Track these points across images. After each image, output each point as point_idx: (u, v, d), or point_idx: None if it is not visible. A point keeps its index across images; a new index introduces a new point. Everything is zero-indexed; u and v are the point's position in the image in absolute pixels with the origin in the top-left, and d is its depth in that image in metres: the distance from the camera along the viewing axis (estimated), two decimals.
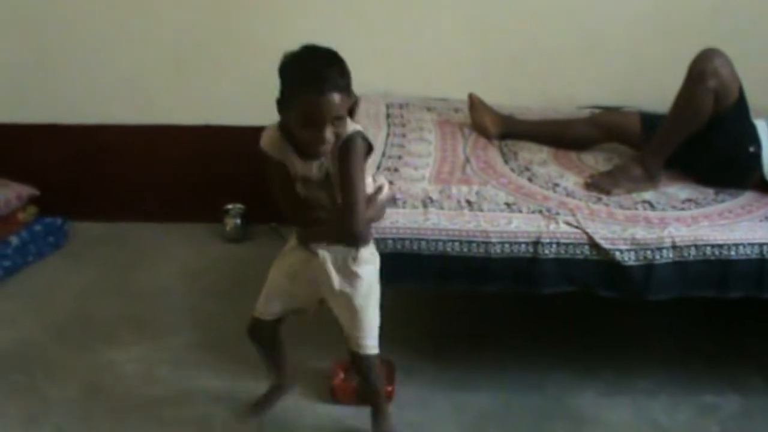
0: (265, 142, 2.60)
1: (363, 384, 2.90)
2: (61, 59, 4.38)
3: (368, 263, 2.69)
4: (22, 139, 4.46)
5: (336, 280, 2.65)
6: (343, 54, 4.19)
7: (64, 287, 3.97)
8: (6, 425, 3.05)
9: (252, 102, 4.29)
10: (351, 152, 2.49)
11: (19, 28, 4.35)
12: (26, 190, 4.30)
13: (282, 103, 2.49)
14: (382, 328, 2.99)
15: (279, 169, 2.59)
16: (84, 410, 3.12)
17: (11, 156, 4.45)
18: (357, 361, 2.77)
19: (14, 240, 4.14)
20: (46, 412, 3.11)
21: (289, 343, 3.01)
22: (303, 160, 2.55)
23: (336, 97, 2.38)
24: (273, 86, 4.29)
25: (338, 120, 2.42)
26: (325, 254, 2.65)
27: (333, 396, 3.11)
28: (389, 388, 3.13)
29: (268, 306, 2.83)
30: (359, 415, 3.02)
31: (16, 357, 3.42)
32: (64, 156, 4.48)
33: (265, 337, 2.91)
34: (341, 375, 3.14)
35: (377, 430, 2.89)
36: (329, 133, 2.41)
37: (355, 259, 2.65)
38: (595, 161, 3.60)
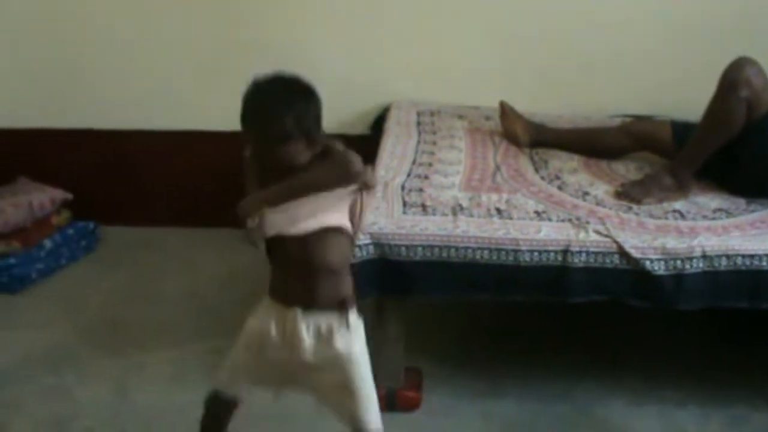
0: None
1: None
2: (95, 66, 4.42)
3: (360, 333, 2.36)
4: (56, 144, 4.51)
5: (319, 359, 2.32)
6: (375, 62, 4.26)
7: (95, 291, 4.00)
8: (37, 427, 3.07)
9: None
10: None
11: (54, 36, 4.40)
12: (60, 195, 4.34)
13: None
14: (410, 334, 3.00)
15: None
16: (113, 413, 3.15)
17: (46, 160, 4.50)
18: None
19: (48, 243, 4.18)
20: (76, 414, 3.13)
21: None
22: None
23: (288, 145, 2.21)
24: None
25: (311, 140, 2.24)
26: (302, 320, 2.30)
27: None
28: (417, 395, 3.13)
29: (234, 384, 2.47)
30: (388, 420, 2.99)
31: (47, 359, 3.45)
32: (97, 161, 4.51)
33: (221, 414, 2.54)
34: None
35: None
36: (290, 158, 2.22)
37: (339, 328, 2.31)
38: (626, 170, 3.58)
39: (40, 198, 4.25)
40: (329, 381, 2.35)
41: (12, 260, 4.02)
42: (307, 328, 2.29)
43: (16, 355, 3.48)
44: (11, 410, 3.15)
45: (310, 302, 2.29)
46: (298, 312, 2.29)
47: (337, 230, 2.26)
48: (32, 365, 3.41)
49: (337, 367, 2.32)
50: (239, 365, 2.43)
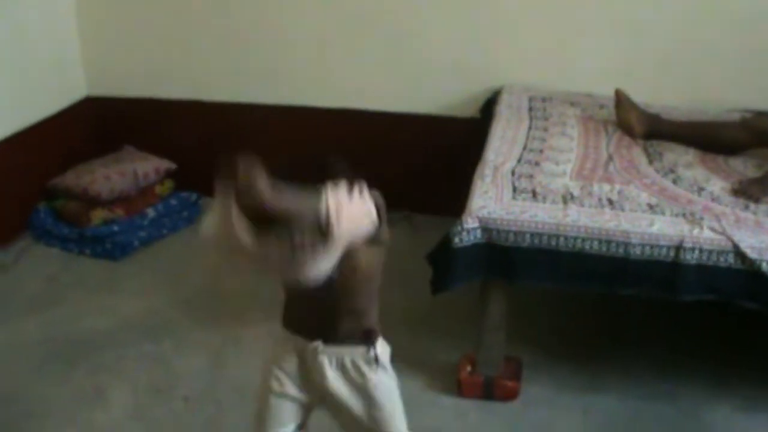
0: None
1: None
2: (206, 38, 4.46)
3: (387, 366, 2.23)
4: (163, 114, 4.56)
5: (345, 393, 2.20)
6: (487, 45, 4.19)
7: (195, 262, 4.02)
8: (136, 392, 3.12)
9: (392, 88, 4.30)
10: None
11: (167, 6, 4.44)
12: (164, 164, 4.39)
13: None
14: (511, 323, 2.94)
15: None
16: (209, 384, 3.17)
17: (152, 130, 4.56)
18: None
19: (151, 212, 4.23)
20: (173, 382, 3.16)
21: (417, 333, 2.96)
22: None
23: None
24: (415, 74, 4.30)
25: None
26: (324, 354, 2.16)
27: (459, 389, 3.06)
28: (515, 385, 3.07)
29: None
30: (485, 409, 2.98)
31: (147, 326, 3.50)
32: (203, 132, 4.54)
33: None
34: (468, 368, 3.09)
35: None
36: None
37: (369, 361, 2.18)
38: (744, 167, 3.45)
39: (145, 167, 4.30)
40: (356, 416, 2.22)
41: (115, 227, 4.08)
42: (329, 363, 2.16)
43: (117, 320, 3.53)
44: (112, 374, 3.21)
45: (331, 335, 2.14)
46: (319, 345, 2.15)
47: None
48: (132, 331, 3.46)
49: (364, 401, 2.20)
50: (271, 414, 2.26)
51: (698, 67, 4.10)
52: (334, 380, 2.17)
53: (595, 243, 2.86)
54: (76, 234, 4.07)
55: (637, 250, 2.85)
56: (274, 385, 2.23)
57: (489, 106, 4.03)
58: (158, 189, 4.36)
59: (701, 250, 2.84)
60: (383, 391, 2.20)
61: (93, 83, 4.61)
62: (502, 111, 3.79)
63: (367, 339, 2.17)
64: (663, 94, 4.00)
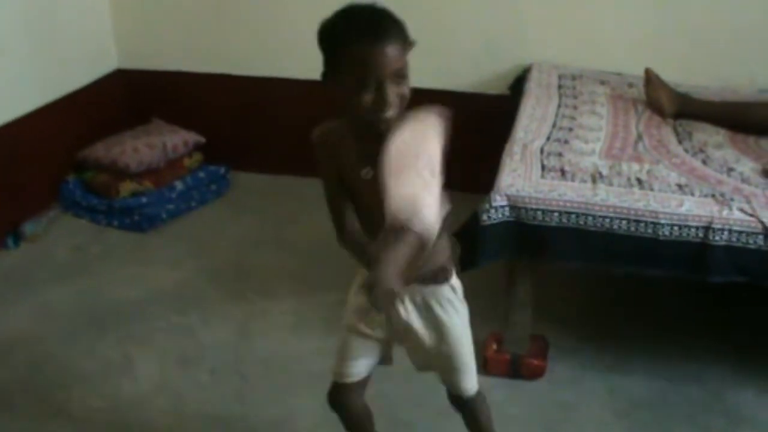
0: (320, 133, 2.18)
1: (472, 424, 2.49)
2: (235, 12, 4.45)
3: (460, 300, 2.29)
4: (193, 87, 4.57)
5: (420, 329, 2.26)
6: (517, 22, 4.16)
7: (223, 235, 4.04)
8: (164, 363, 3.15)
9: (421, 64, 4.25)
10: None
11: None
12: (193, 137, 4.40)
13: (332, 73, 2.03)
14: (538, 302, 2.93)
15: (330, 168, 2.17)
16: (235, 356, 3.19)
17: (182, 103, 4.57)
18: (458, 405, 2.45)
19: (179, 185, 4.25)
20: (200, 354, 3.19)
21: None
22: (357, 161, 2.10)
23: (391, 46, 1.93)
24: (445, 51, 4.26)
25: (400, 78, 1.97)
26: (410, 293, 2.21)
27: (484, 367, 3.05)
28: (542, 363, 3.07)
29: (347, 365, 2.37)
30: (511, 387, 2.98)
31: (174, 298, 3.52)
32: (231, 106, 4.56)
33: (352, 405, 2.46)
34: (494, 346, 3.09)
35: None
36: (391, 93, 1.95)
37: (445, 300, 2.24)
38: None
39: (174, 140, 4.32)
40: (427, 348, 2.28)
41: (144, 199, 4.10)
42: (407, 300, 2.22)
43: (145, 291, 3.56)
44: (140, 345, 3.24)
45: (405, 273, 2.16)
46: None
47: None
48: (160, 303, 3.48)
49: (436, 335, 2.26)
50: (348, 349, 2.35)
51: (730, 46, 4.05)
52: (411, 316, 2.23)
53: (624, 222, 2.84)
54: (104, 205, 4.09)
55: (666, 230, 2.83)
56: (354, 322, 2.30)
57: (518, 84, 4.01)
58: (187, 162, 4.37)
59: (730, 231, 2.81)
60: (456, 326, 2.26)
61: (124, 56, 4.62)
62: (532, 89, 3.77)
63: (442, 276, 2.22)
64: (694, 74, 3.97)
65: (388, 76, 1.94)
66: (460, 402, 2.43)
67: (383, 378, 2.86)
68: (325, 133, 2.16)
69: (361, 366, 2.36)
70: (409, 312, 2.23)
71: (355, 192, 2.15)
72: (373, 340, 2.32)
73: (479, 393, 2.42)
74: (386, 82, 1.94)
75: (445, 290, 2.24)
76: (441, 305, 2.24)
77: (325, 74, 2.04)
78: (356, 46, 1.95)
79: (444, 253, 2.22)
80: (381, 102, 1.95)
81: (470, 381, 2.37)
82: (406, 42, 1.99)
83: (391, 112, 1.97)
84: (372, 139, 1.97)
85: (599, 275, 3.50)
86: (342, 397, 2.43)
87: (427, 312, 2.24)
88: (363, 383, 2.42)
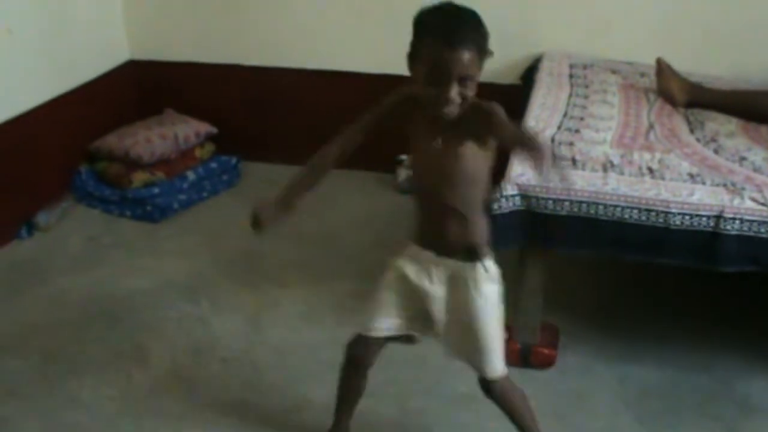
0: (404, 91, 2.32)
1: (504, 409, 2.55)
2: (247, 3, 4.46)
3: (492, 281, 2.38)
4: (205, 78, 4.58)
5: (451, 301, 2.38)
6: (528, 11, 4.15)
7: (234, 225, 4.03)
8: (174, 353, 3.15)
9: None
10: (499, 116, 2.17)
11: None
12: (205, 128, 4.41)
13: (411, 57, 2.21)
14: (549, 291, 2.93)
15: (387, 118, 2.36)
16: (247, 346, 3.20)
17: (193, 94, 4.59)
18: (485, 387, 2.50)
19: (191, 175, 4.26)
20: (212, 344, 3.20)
21: None
22: (429, 130, 2.26)
23: (465, 53, 2.09)
24: None
25: (466, 80, 2.13)
26: (435, 264, 2.36)
27: None
28: (552, 353, 3.07)
29: (376, 320, 2.47)
30: (521, 376, 2.97)
31: (186, 287, 3.53)
32: (243, 97, 4.56)
33: (363, 361, 2.54)
34: (505, 335, 3.08)
35: None
36: (454, 93, 2.13)
37: (476, 279, 2.34)
38: None
39: (186, 130, 4.33)
40: (458, 325, 2.39)
41: (156, 190, 4.12)
42: (439, 272, 2.35)
43: (157, 281, 3.57)
44: (152, 334, 3.25)
45: (443, 247, 2.33)
46: (432, 255, 2.35)
47: (473, 177, 2.27)
48: (172, 292, 3.50)
49: (466, 311, 2.36)
50: (381, 305, 2.45)
51: (742, 35, 4.04)
52: (441, 290, 2.36)
53: (635, 212, 2.84)
54: (117, 196, 4.11)
55: (677, 220, 2.83)
56: (396, 278, 2.42)
57: (530, 73, 4.01)
58: (199, 152, 4.38)
59: (742, 221, 2.81)
60: (483, 307, 2.35)
61: (135, 47, 4.64)
62: (543, 78, 3.77)
63: (476, 255, 2.33)
64: (706, 64, 3.96)
65: (455, 78, 2.11)
66: (486, 386, 2.49)
67: (394, 366, 2.90)
68: (407, 94, 2.29)
69: (388, 323, 2.45)
70: (438, 285, 2.36)
71: (418, 158, 2.36)
72: (408, 307, 2.42)
73: (508, 379, 2.48)
74: (452, 83, 2.11)
75: (477, 269, 2.33)
76: (471, 283, 2.34)
77: (409, 55, 2.22)
78: (432, 43, 2.12)
79: (481, 233, 2.35)
80: (442, 99, 2.14)
81: (494, 363, 2.43)
82: (482, 51, 2.15)
83: (450, 109, 2.16)
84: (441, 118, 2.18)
85: (610, 264, 3.50)
86: (360, 348, 2.51)
87: (459, 285, 2.35)
88: (380, 346, 2.52)
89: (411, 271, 2.39)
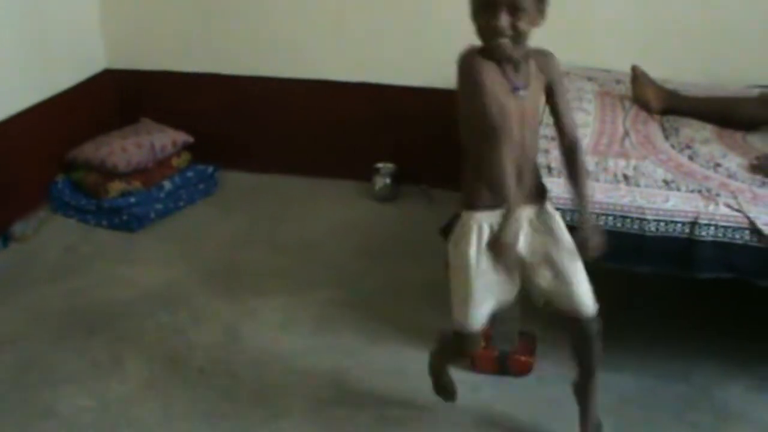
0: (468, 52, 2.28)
1: (585, 349, 2.62)
2: (224, 11, 4.46)
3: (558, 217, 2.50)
4: (181, 87, 4.57)
5: (554, 236, 2.45)
6: None
7: (212, 234, 4.05)
8: (152, 363, 3.13)
9: (412, 63, 4.28)
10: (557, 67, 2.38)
11: None
12: (181, 137, 4.40)
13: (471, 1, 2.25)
14: (526, 298, 2.94)
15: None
16: (225, 355, 3.18)
17: (170, 102, 4.58)
18: (582, 327, 2.54)
19: (167, 184, 4.25)
20: (189, 353, 3.18)
21: (432, 306, 2.96)
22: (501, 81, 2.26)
23: None
24: (434, 49, 4.25)
25: (517, 10, 2.16)
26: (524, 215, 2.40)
27: (472, 364, 3.06)
28: (529, 360, 3.08)
29: (475, 313, 2.47)
30: (498, 384, 2.98)
31: (163, 297, 3.52)
32: (220, 105, 4.56)
33: (477, 349, 2.68)
34: (482, 343, 3.08)
35: (591, 402, 2.71)
36: (504, 22, 2.15)
37: (557, 220, 2.46)
38: (762, 143, 3.41)
39: (162, 139, 4.32)
40: (547, 270, 2.45)
41: (132, 199, 4.11)
42: (523, 223, 2.39)
43: (134, 291, 3.56)
44: (128, 344, 3.23)
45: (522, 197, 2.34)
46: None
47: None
48: (149, 302, 3.48)
49: (555, 254, 2.44)
50: (468, 293, 2.43)
51: (718, 42, 4.05)
52: (527, 240, 2.41)
53: (610, 219, 2.85)
54: (93, 205, 4.09)
55: (652, 226, 2.84)
56: (473, 268, 2.39)
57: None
58: (175, 161, 4.37)
59: (717, 227, 2.82)
60: (568, 240, 2.45)
61: (112, 56, 4.63)
62: None
63: (545, 193, 2.47)
64: (682, 71, 3.96)
65: (504, 3, 2.14)
66: (580, 328, 2.53)
67: (370, 376, 2.89)
68: (472, 51, 2.26)
69: (485, 308, 2.48)
70: (527, 235, 2.41)
71: (500, 114, 2.24)
72: (492, 279, 2.40)
73: (598, 320, 2.53)
74: (501, 10, 2.15)
75: (553, 212, 2.47)
76: (554, 224, 2.45)
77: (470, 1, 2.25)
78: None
79: (539, 173, 2.49)
80: (493, 27, 2.17)
81: (589, 297, 2.50)
82: None
83: (503, 40, 2.18)
84: (511, 67, 2.25)
85: (586, 271, 3.50)
86: (469, 343, 2.56)
87: (538, 233, 2.43)
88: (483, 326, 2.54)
89: (484, 238, 2.37)
